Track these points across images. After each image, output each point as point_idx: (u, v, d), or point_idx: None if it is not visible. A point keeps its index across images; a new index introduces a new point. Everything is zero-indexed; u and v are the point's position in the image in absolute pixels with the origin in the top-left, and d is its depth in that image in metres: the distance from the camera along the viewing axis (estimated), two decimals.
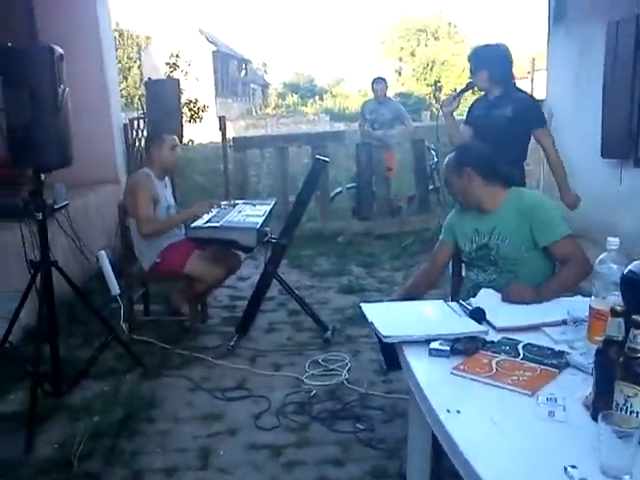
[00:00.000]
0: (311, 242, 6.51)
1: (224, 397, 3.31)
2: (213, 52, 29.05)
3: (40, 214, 2.98)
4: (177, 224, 4.02)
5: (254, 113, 25.10)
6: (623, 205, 5.40)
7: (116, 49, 7.34)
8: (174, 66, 9.82)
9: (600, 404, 1.39)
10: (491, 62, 3.74)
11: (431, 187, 7.32)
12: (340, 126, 23.90)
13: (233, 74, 32.40)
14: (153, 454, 2.79)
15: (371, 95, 7.57)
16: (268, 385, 3.44)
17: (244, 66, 34.70)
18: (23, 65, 2.67)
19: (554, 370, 1.67)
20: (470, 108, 4.03)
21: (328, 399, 3.26)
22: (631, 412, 1.30)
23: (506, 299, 2.30)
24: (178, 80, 5.19)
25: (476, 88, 3.94)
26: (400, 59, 34.52)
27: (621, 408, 1.31)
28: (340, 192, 7.61)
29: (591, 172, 5.89)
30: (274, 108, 29.83)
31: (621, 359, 1.33)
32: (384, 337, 1.92)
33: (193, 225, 3.79)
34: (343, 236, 6.74)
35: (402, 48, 33.88)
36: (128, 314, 4.05)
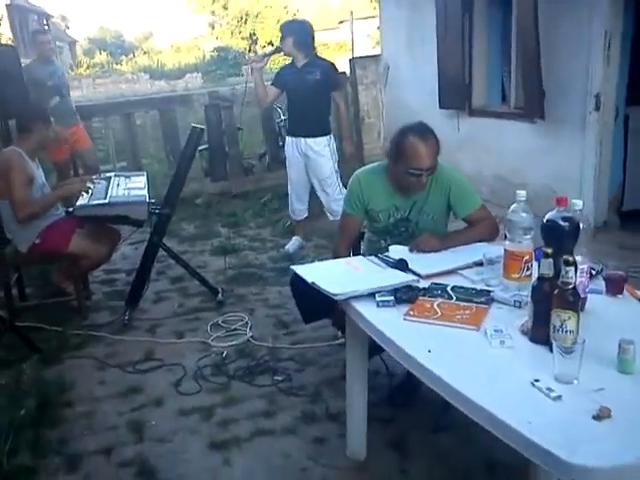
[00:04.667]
0: None
1: (136, 370, 3.34)
2: (7, 6, 26.25)
3: None
4: (54, 203, 3.87)
5: (66, 74, 23.39)
6: (461, 149, 6.01)
7: None
8: None
9: (539, 330, 1.73)
10: (296, 32, 4.70)
11: (280, 144, 7.50)
12: (161, 84, 23.13)
13: None
14: (83, 437, 2.78)
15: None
16: (177, 352, 3.51)
17: (45, 21, 31.85)
18: None
19: (485, 306, 1.99)
20: (279, 72, 4.94)
21: (239, 357, 3.41)
22: (566, 331, 1.64)
23: (416, 248, 2.53)
24: (14, 46, 4.78)
25: (283, 53, 4.88)
26: (213, 12, 33.75)
27: (558, 329, 1.65)
28: None
29: (431, 121, 6.41)
30: (87, 68, 27.89)
31: (556, 291, 1.66)
32: (334, 295, 2.10)
33: (79, 204, 3.68)
34: (202, 198, 6.76)
35: (214, 1, 33.13)
36: (7, 301, 3.87)
